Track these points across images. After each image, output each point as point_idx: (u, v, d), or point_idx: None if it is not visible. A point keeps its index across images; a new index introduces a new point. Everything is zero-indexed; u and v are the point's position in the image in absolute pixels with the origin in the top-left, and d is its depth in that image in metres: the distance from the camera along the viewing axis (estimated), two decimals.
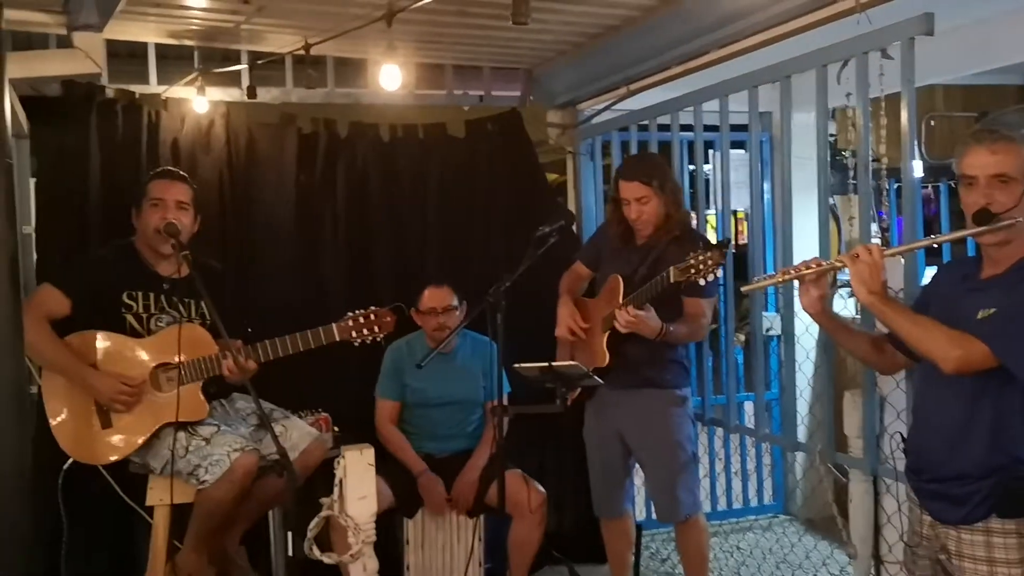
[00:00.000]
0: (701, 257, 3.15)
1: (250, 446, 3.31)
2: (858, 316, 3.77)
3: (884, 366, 2.71)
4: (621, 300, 3.48)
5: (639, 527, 4.20)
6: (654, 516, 4.95)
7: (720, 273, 3.18)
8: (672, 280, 3.24)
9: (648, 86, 4.36)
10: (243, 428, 3.49)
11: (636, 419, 3.65)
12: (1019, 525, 2.26)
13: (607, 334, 3.56)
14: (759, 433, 3.99)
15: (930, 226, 6.17)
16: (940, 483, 2.36)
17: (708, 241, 3.47)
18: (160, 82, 4.32)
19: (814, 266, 2.55)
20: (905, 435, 2.58)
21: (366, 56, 4.51)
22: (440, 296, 3.98)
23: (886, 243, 5.42)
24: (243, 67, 4.35)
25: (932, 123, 5.69)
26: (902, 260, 3.06)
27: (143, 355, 3.36)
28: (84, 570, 3.81)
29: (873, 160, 3.37)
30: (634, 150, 4.56)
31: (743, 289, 2.92)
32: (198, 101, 4.25)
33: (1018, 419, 2.25)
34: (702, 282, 3.18)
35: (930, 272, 4.69)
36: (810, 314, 2.61)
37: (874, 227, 4.48)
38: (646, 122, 4.41)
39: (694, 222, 4.73)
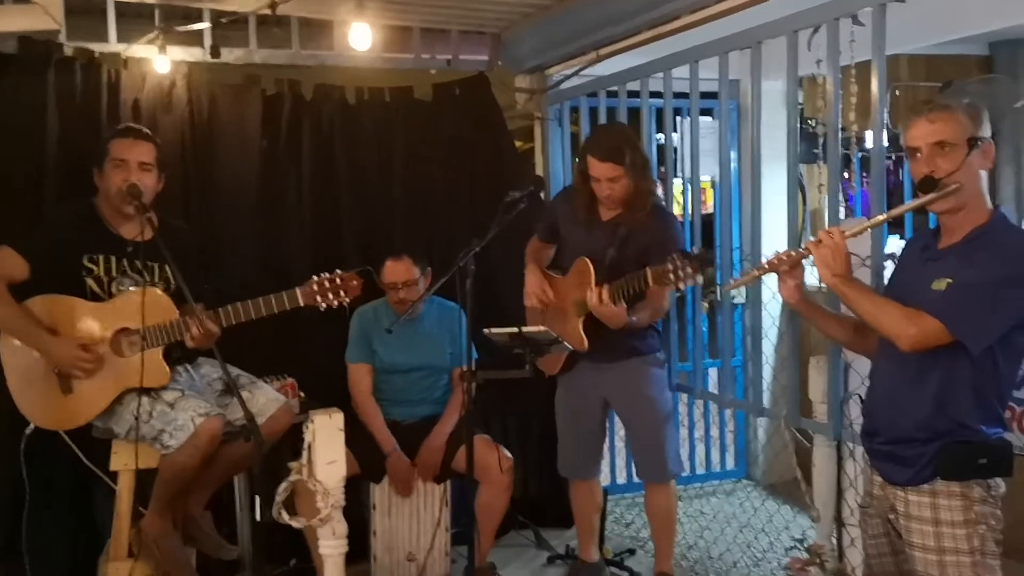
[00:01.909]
0: (680, 264, 3.15)
1: (215, 411, 3.28)
2: (823, 286, 3.81)
3: (869, 350, 2.72)
4: (593, 284, 3.46)
5: (605, 492, 4.24)
6: (619, 481, 5.05)
7: (699, 281, 3.18)
8: (651, 283, 3.27)
9: (617, 51, 4.33)
10: (208, 393, 3.45)
11: (623, 384, 3.69)
12: (964, 488, 2.30)
13: (583, 319, 3.54)
14: (725, 399, 4.02)
15: (891, 196, 6.25)
16: (890, 445, 2.41)
17: (687, 249, 3.48)
18: (120, 40, 4.21)
19: (785, 258, 2.59)
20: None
21: (333, 17, 4.44)
22: (399, 270, 3.93)
23: (848, 212, 5.48)
24: (206, 26, 4.25)
25: (897, 92, 5.74)
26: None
27: (104, 320, 3.29)
28: (47, 535, 3.75)
29: (840, 129, 3.39)
30: (603, 116, 4.53)
31: (725, 287, 2.96)
32: (159, 60, 4.14)
33: (967, 387, 2.29)
34: (681, 286, 3.20)
35: (892, 240, 4.77)
36: (791, 304, 2.65)
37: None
38: (615, 88, 4.39)
39: (660, 191, 4.76)
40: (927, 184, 2.31)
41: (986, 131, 2.33)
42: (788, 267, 2.58)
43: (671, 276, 3.17)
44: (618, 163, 3.48)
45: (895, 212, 2.66)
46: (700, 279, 3.17)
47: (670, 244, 3.41)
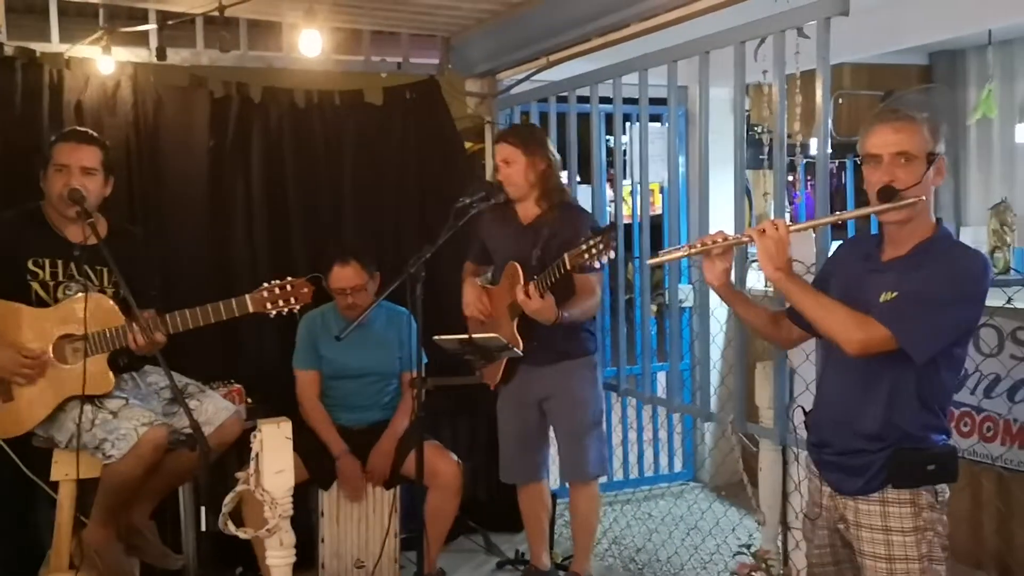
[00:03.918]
0: (592, 243, 3.24)
1: (159, 420, 3.23)
2: (769, 290, 3.86)
3: (780, 339, 2.77)
4: (522, 283, 3.51)
5: (553, 496, 4.25)
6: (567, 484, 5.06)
7: (612, 255, 3.26)
8: (568, 267, 3.32)
9: (568, 57, 4.34)
10: (155, 402, 3.40)
11: (555, 386, 3.75)
12: (913, 495, 2.33)
13: (516, 321, 3.59)
14: (673, 404, 4.06)
15: (833, 201, 6.36)
16: (840, 456, 2.43)
17: (596, 226, 3.59)
18: (62, 40, 4.11)
19: (720, 240, 2.55)
20: (808, 409, 2.65)
21: (282, 19, 4.39)
22: (346, 276, 3.89)
23: (793, 219, 5.56)
24: (152, 27, 4.17)
25: (840, 101, 5.84)
26: (813, 234, 3.13)
27: (47, 326, 3.23)
28: None
29: (786, 136, 3.44)
30: (553, 121, 4.56)
31: (649, 262, 2.94)
32: (103, 61, 4.07)
33: (913, 398, 2.32)
34: (596, 265, 3.27)
35: (835, 245, 4.84)
36: (714, 287, 2.61)
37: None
38: (565, 93, 4.41)
39: (610, 195, 4.80)
40: (887, 193, 2.29)
41: (942, 147, 2.34)
42: (722, 250, 2.54)
43: (586, 255, 3.24)
44: (511, 144, 3.70)
45: (847, 215, 2.70)
46: (612, 253, 3.24)
47: (586, 233, 3.42)
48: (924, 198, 2.30)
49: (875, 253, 2.44)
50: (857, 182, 5.45)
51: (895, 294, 2.30)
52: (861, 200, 2.48)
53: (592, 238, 3.24)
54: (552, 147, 3.84)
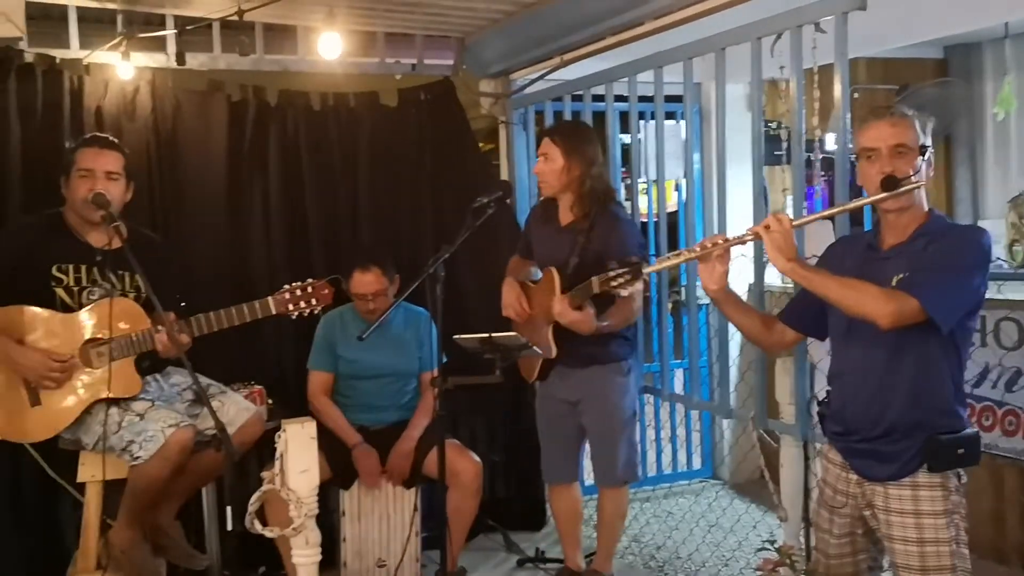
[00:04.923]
0: (618, 272, 3.14)
1: (185, 422, 3.26)
2: (789, 286, 3.86)
3: (771, 344, 2.79)
4: (558, 293, 3.51)
5: None
6: (588, 482, 5.07)
7: (640, 287, 3.24)
8: (597, 291, 3.30)
9: (582, 56, 4.35)
10: (178, 403, 3.43)
11: (586, 390, 3.73)
12: (944, 479, 2.38)
13: (552, 326, 3.58)
14: (693, 401, 4.06)
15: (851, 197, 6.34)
16: (869, 442, 2.45)
17: (633, 244, 3.59)
18: (82, 47, 4.15)
19: (720, 242, 2.56)
20: (821, 399, 2.66)
21: (300, 23, 4.41)
22: (367, 281, 3.90)
23: (809, 213, 5.53)
24: (171, 32, 4.21)
25: (855, 95, 5.82)
26: (832, 225, 3.13)
27: (73, 330, 3.26)
28: (12, 548, 3.72)
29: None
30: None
31: (645, 270, 2.92)
32: (122, 67, 4.10)
33: (937, 372, 2.36)
34: (623, 293, 3.18)
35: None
36: (712, 291, 2.62)
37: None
38: (580, 92, 4.42)
39: (623, 194, 4.80)
40: (891, 183, 2.35)
41: (930, 140, 2.43)
42: (722, 251, 2.55)
43: (612, 282, 3.18)
44: (551, 140, 3.67)
45: (851, 206, 2.70)
46: (639, 284, 3.17)
47: (620, 251, 3.41)
48: (923, 183, 2.39)
49: (875, 243, 2.50)
50: None
51: (903, 275, 2.35)
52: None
53: (620, 268, 3.13)
54: (597, 150, 3.77)
